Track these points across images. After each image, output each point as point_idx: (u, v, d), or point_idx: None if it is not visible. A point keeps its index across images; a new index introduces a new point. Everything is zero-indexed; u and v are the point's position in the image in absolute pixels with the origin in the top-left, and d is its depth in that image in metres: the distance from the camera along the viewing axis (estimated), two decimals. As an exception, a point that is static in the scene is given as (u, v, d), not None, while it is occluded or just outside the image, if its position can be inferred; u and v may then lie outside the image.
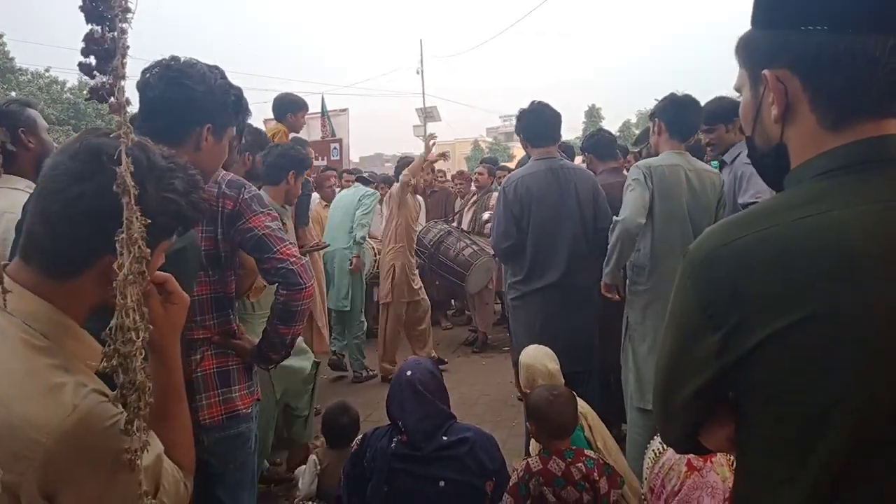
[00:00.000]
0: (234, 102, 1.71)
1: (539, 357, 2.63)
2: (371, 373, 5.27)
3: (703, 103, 3.10)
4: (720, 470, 1.79)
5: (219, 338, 1.81)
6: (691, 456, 1.82)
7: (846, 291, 0.71)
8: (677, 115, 2.93)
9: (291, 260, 1.76)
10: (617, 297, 2.88)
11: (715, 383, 0.81)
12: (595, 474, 2.11)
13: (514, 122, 3.57)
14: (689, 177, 2.85)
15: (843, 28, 0.77)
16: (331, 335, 5.26)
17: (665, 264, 2.80)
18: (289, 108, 4.34)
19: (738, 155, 3.02)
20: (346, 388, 5.15)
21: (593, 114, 45.91)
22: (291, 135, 4.39)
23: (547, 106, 3.31)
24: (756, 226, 0.78)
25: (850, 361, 0.71)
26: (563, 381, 2.57)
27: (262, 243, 1.75)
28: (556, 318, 3.12)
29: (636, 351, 2.91)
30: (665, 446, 1.83)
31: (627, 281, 2.98)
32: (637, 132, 5.83)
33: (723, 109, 3.17)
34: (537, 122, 3.27)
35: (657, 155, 2.98)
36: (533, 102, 3.34)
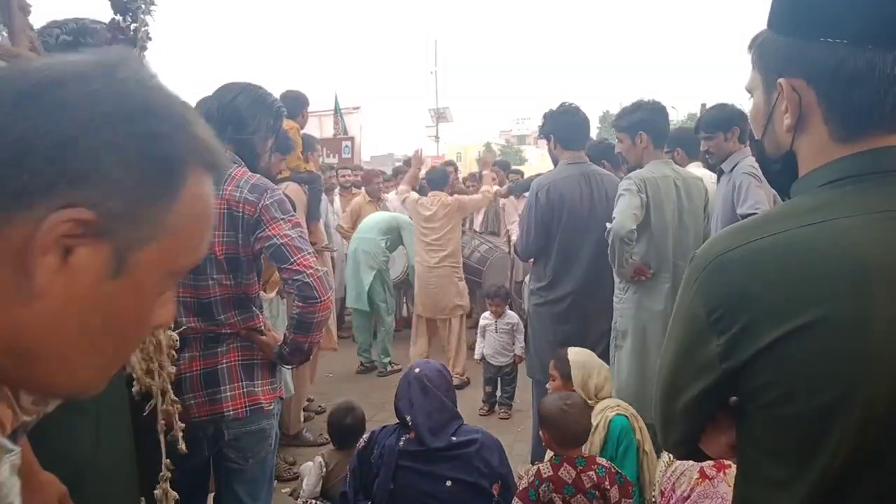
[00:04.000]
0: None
1: (590, 354, 2.65)
2: (395, 367, 5.38)
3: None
4: (732, 482, 1.77)
5: (245, 332, 1.82)
6: (704, 464, 1.81)
7: (850, 297, 0.72)
8: (660, 123, 2.91)
9: (308, 272, 1.71)
10: (643, 277, 2.85)
11: (718, 387, 0.82)
12: (606, 483, 2.10)
13: (526, 125, 3.55)
14: (678, 185, 2.85)
15: (863, 43, 0.77)
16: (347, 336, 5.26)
17: (656, 275, 2.84)
18: (303, 104, 4.38)
19: (737, 164, 3.00)
20: (368, 383, 5.26)
21: (607, 119, 45.77)
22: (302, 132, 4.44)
23: (578, 108, 3.24)
24: (764, 231, 0.79)
25: (853, 366, 0.72)
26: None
27: (279, 253, 1.71)
28: (576, 327, 3.10)
29: (620, 359, 2.92)
30: None
31: (616, 290, 2.98)
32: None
33: (724, 118, 3.12)
34: (570, 125, 3.19)
35: (637, 168, 2.93)
36: (563, 104, 3.26)
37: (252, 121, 1.83)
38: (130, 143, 0.50)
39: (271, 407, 1.86)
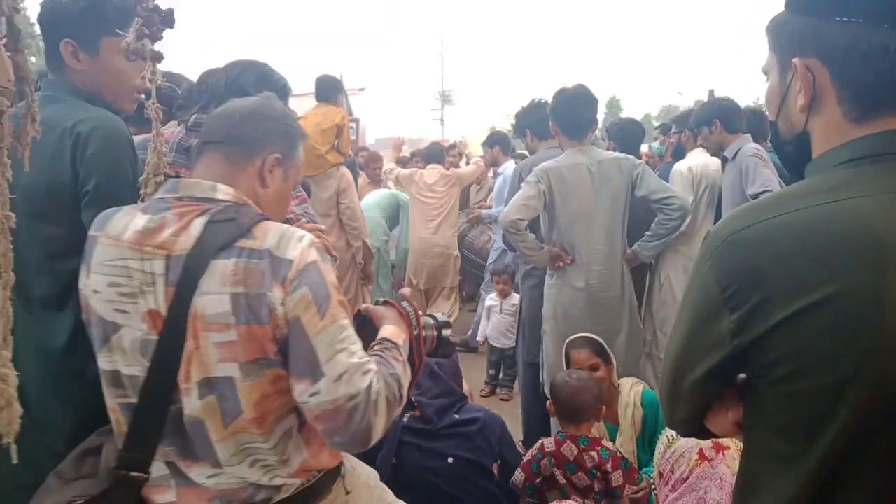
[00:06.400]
0: (89, 6, 1.50)
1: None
2: None
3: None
4: (732, 463, 1.79)
5: None
6: (704, 445, 1.83)
7: (864, 274, 0.72)
8: (560, 112, 2.94)
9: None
10: (561, 264, 2.88)
11: (728, 364, 0.82)
12: (608, 465, 2.13)
13: (531, 108, 3.50)
14: (592, 171, 2.84)
15: (878, 22, 0.77)
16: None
17: (574, 260, 2.86)
18: (339, 87, 4.57)
19: (740, 149, 3.10)
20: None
21: (613, 104, 45.61)
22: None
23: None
24: (779, 210, 0.79)
25: (864, 342, 0.72)
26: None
27: None
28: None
29: (546, 343, 2.97)
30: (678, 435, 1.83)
31: (546, 275, 3.01)
32: (657, 125, 5.85)
33: (703, 114, 3.34)
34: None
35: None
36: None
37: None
38: (288, 130, 1.33)
39: None
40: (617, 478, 2.12)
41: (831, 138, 0.83)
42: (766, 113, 0.96)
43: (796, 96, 0.85)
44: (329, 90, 4.57)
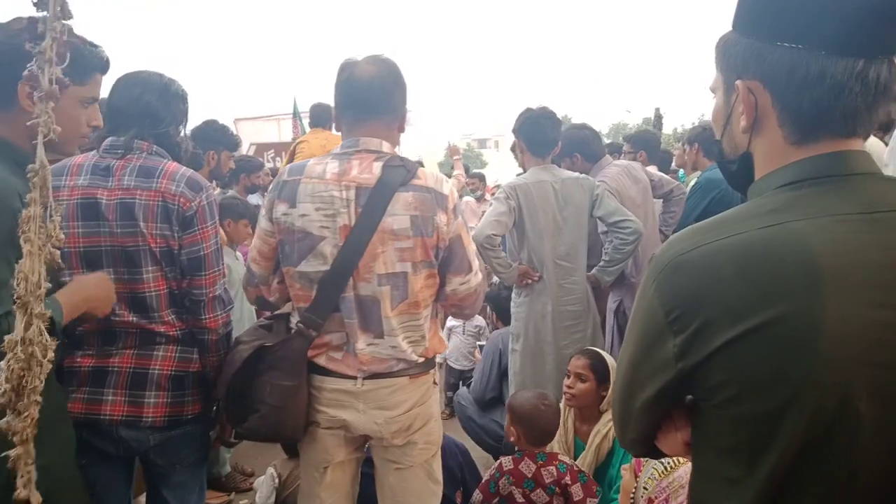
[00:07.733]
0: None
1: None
2: None
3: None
4: None
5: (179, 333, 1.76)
6: None
7: (803, 298, 0.73)
8: (530, 133, 3.02)
9: (217, 285, 1.75)
10: (530, 280, 2.93)
11: (674, 386, 0.83)
12: (567, 479, 2.12)
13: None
14: (556, 189, 2.91)
15: (817, 48, 0.78)
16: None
17: (541, 276, 2.91)
18: (332, 114, 4.67)
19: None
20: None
21: (564, 123, 46.69)
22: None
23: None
24: (720, 233, 0.79)
25: (804, 366, 0.73)
26: None
27: (199, 262, 1.71)
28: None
29: (515, 361, 2.99)
30: (679, 461, 1.80)
31: (513, 293, 3.06)
32: (607, 142, 5.94)
33: (566, 146, 3.37)
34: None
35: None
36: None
37: (166, 113, 1.81)
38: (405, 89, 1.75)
39: (197, 414, 1.80)
40: (577, 491, 2.11)
41: (773, 160, 0.84)
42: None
43: (739, 117, 0.86)
44: (324, 117, 5.04)
